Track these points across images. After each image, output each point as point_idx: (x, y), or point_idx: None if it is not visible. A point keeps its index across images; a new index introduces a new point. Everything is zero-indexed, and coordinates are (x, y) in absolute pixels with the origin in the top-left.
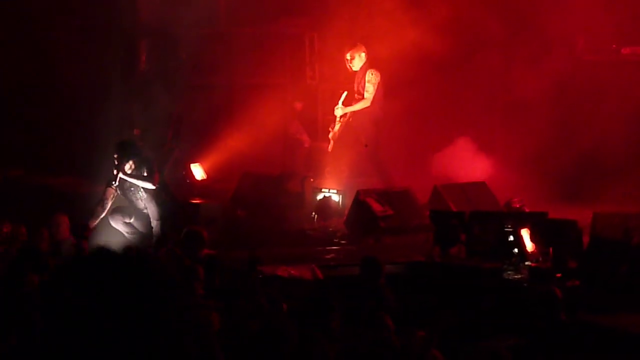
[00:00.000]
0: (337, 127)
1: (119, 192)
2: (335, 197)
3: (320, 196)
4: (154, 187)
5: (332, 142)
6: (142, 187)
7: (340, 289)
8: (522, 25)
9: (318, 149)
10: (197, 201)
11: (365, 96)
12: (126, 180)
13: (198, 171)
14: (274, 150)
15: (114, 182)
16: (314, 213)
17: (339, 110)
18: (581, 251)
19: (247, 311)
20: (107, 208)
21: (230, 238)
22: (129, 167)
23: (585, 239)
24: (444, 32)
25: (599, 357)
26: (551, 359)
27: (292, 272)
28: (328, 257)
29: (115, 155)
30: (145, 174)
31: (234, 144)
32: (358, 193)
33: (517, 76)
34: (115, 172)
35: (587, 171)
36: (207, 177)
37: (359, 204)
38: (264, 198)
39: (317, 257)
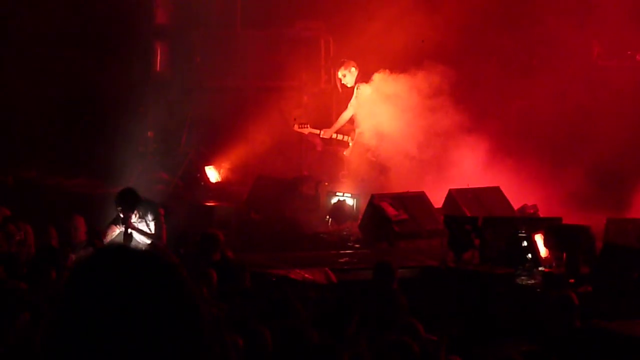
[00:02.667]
0: (350, 145)
1: (120, 229)
2: (350, 201)
3: (334, 200)
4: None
5: (349, 150)
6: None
7: (353, 293)
8: (537, 31)
9: (332, 152)
10: (212, 204)
11: (347, 107)
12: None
13: (212, 174)
14: (288, 153)
15: (128, 239)
16: (328, 216)
17: (326, 134)
18: (594, 257)
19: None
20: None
21: (244, 241)
22: (134, 217)
23: (599, 245)
24: (458, 37)
25: None
26: None
27: (306, 275)
28: (342, 260)
29: (119, 208)
30: (151, 225)
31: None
32: (372, 197)
33: (531, 82)
34: (124, 227)
35: (601, 177)
36: (222, 179)
37: (373, 207)
38: (278, 201)
39: (331, 261)
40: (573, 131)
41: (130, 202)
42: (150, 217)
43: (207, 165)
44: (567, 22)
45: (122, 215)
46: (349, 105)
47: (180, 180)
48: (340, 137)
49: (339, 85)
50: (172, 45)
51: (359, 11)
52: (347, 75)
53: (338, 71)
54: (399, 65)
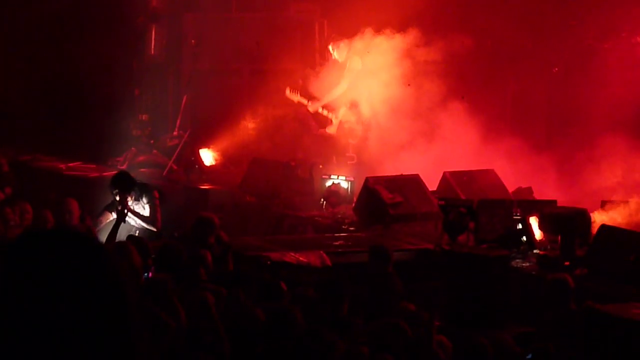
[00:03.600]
0: (334, 122)
1: (114, 216)
2: (344, 184)
3: (329, 183)
4: (156, 230)
5: (334, 128)
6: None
7: (348, 276)
8: (532, 13)
9: (326, 135)
10: (207, 187)
11: (340, 82)
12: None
13: (207, 156)
14: (283, 136)
15: (123, 221)
16: (322, 200)
17: (313, 106)
18: (589, 239)
19: (253, 297)
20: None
21: (239, 224)
22: (129, 199)
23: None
24: (452, 21)
25: (607, 347)
26: (559, 348)
27: (300, 258)
28: (336, 243)
29: (116, 191)
30: (146, 208)
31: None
32: (367, 180)
33: (526, 64)
34: (120, 209)
35: (597, 159)
36: (216, 162)
37: (368, 191)
38: (273, 184)
39: (326, 244)
40: (568, 113)
41: (126, 184)
42: (145, 200)
43: (202, 148)
44: (561, 4)
45: (118, 199)
46: (341, 79)
47: (175, 164)
48: (325, 112)
49: (333, 58)
50: (167, 28)
51: None
52: (337, 50)
53: (329, 45)
54: (391, 49)
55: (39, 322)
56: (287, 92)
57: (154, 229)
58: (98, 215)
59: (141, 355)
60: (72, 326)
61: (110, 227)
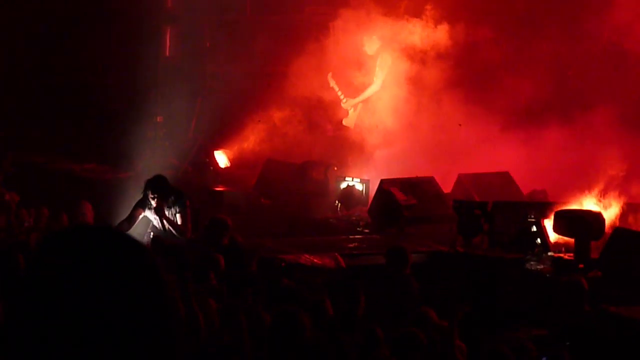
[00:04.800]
0: (350, 115)
1: (146, 213)
2: (359, 186)
3: (343, 185)
4: (186, 238)
5: (351, 120)
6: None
7: (364, 278)
8: (547, 13)
9: (342, 137)
10: (221, 188)
11: (374, 80)
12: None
13: (222, 158)
14: (298, 138)
15: (157, 225)
16: (337, 202)
17: (347, 104)
18: (604, 242)
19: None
20: (133, 227)
21: (254, 226)
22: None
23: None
24: (468, 21)
25: (621, 349)
26: (574, 350)
27: (315, 260)
28: (351, 245)
29: (155, 196)
30: (177, 216)
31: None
32: (382, 182)
33: (543, 66)
34: (158, 215)
35: (615, 161)
36: (231, 164)
37: (382, 192)
38: (288, 186)
39: (340, 246)
40: (584, 116)
41: (166, 189)
42: (177, 208)
43: (217, 150)
44: (578, 5)
45: (154, 204)
46: (374, 78)
47: (190, 166)
48: (344, 103)
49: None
50: (182, 30)
51: None
52: (368, 43)
53: (364, 38)
54: (407, 48)
55: (78, 318)
56: (329, 76)
57: (184, 237)
58: (130, 213)
59: (180, 352)
60: (113, 325)
61: (140, 224)
